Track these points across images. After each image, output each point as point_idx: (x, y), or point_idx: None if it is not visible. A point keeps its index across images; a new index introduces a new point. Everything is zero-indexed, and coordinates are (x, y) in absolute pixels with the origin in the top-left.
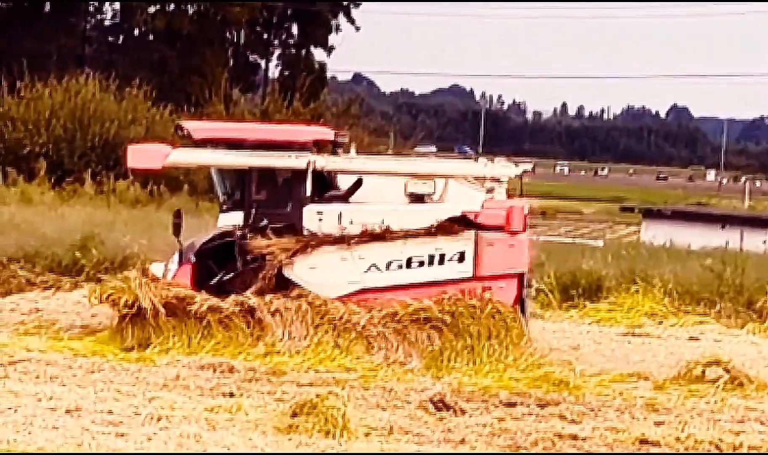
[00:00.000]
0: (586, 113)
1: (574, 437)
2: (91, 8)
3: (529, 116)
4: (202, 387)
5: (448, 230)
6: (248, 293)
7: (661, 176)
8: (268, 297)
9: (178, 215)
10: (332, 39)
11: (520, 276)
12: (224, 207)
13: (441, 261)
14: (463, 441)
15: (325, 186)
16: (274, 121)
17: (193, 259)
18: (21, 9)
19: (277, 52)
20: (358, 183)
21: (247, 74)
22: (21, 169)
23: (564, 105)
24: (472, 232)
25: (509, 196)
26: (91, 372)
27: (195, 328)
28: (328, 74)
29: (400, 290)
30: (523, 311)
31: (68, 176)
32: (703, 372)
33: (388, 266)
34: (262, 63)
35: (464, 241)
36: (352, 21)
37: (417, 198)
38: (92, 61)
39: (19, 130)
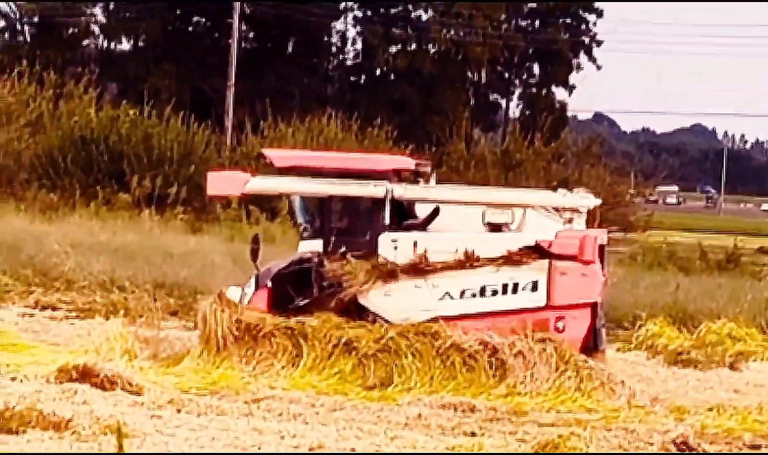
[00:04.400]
0: None
1: None
2: (334, 48)
3: None
4: (444, 426)
5: (522, 258)
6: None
7: None
8: (511, 338)
9: (255, 240)
10: (573, 78)
11: (593, 306)
12: (305, 234)
13: (514, 290)
14: None
15: (403, 215)
16: (514, 160)
17: (269, 284)
18: (265, 50)
19: (518, 91)
20: (436, 212)
21: (487, 113)
22: (264, 208)
23: None
24: (545, 261)
25: (588, 227)
26: (334, 410)
27: (437, 367)
28: (569, 113)
29: (473, 318)
30: (596, 342)
31: None
32: None
33: (461, 294)
34: (503, 102)
35: (537, 270)
36: (593, 60)
37: (494, 227)
38: (334, 101)
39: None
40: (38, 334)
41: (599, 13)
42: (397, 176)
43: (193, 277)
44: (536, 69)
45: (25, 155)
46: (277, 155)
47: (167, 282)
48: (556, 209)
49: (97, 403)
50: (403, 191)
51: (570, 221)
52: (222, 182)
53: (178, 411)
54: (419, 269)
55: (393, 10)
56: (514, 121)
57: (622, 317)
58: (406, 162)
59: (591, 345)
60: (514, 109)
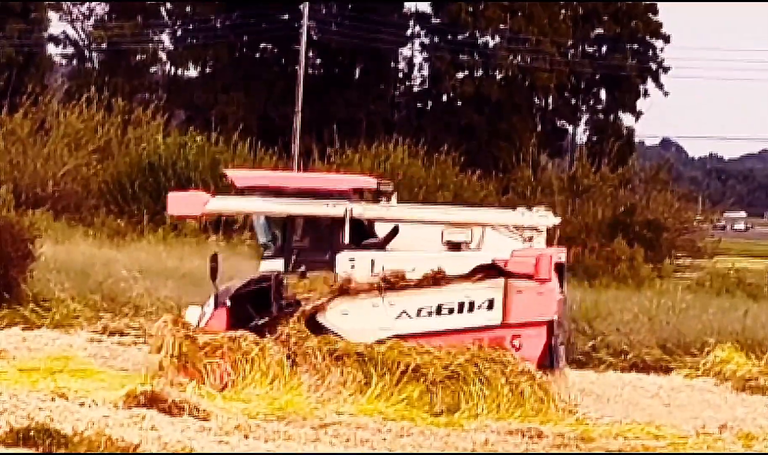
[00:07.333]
0: None
1: None
2: (401, 75)
3: None
4: (511, 452)
5: (477, 277)
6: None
7: None
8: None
9: (214, 259)
10: (640, 104)
11: (549, 324)
12: (266, 253)
13: (471, 308)
14: None
15: (364, 234)
16: (581, 186)
17: (228, 303)
18: (333, 76)
19: (585, 117)
20: (395, 231)
21: (554, 139)
22: None
23: None
24: (501, 280)
25: (548, 245)
26: (400, 436)
27: (505, 395)
28: (636, 139)
29: (430, 336)
30: (552, 359)
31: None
32: None
33: (418, 312)
34: (570, 128)
35: (493, 288)
36: (660, 86)
37: (454, 246)
38: (401, 127)
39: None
40: (106, 359)
41: (666, 39)
42: (359, 195)
43: None
44: (603, 95)
45: (93, 181)
46: (238, 175)
47: None
48: (516, 228)
49: (164, 429)
50: (362, 210)
51: (530, 239)
52: (182, 203)
53: (246, 436)
54: (376, 287)
55: (460, 37)
56: (581, 147)
57: (690, 343)
58: (367, 182)
59: (547, 363)
60: (581, 135)
